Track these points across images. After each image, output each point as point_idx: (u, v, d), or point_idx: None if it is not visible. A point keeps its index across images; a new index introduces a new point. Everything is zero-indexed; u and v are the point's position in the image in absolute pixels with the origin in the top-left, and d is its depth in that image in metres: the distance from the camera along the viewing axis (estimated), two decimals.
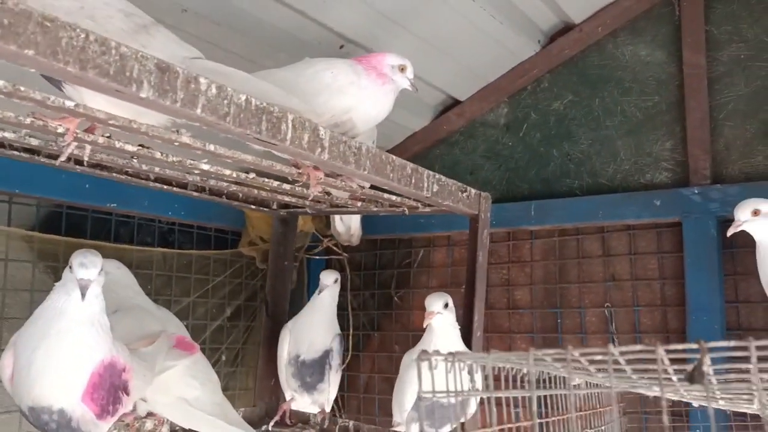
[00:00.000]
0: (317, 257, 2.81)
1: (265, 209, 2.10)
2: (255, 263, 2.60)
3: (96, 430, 1.22)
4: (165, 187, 1.72)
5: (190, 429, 1.67)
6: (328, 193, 1.79)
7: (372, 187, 1.69)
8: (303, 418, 2.00)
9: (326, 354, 1.95)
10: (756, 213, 1.64)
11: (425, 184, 1.57)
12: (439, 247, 2.64)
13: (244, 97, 1.08)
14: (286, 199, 1.90)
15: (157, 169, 1.54)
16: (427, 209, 1.84)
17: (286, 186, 1.63)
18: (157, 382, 1.46)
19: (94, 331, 1.18)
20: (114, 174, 1.58)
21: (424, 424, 1.58)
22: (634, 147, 2.29)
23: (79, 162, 1.48)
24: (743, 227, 1.65)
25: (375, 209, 1.92)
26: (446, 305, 1.69)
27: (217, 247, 2.54)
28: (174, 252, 2.34)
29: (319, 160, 1.27)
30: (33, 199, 1.97)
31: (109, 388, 1.20)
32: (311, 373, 1.94)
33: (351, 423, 1.89)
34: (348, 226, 2.45)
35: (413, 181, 1.52)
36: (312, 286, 2.77)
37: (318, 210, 2.05)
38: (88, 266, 1.19)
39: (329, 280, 1.98)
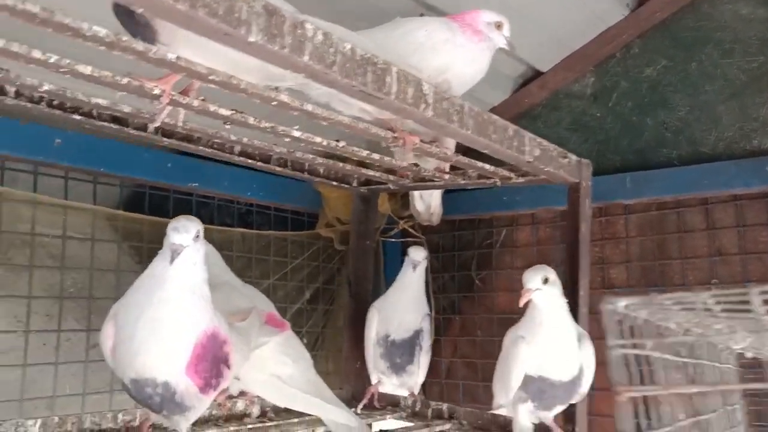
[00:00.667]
0: (393, 240, 2.73)
1: (345, 185, 2.03)
2: (332, 245, 2.54)
3: (199, 405, 1.17)
4: (249, 161, 1.66)
5: (284, 408, 1.62)
6: (416, 165, 1.71)
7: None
8: (393, 401, 1.92)
9: (416, 334, 1.87)
10: None
11: (527, 148, 1.46)
12: (522, 225, 2.52)
13: (349, 46, 1.00)
14: (370, 173, 1.83)
15: (245, 139, 1.48)
16: (521, 179, 1.72)
17: (375, 156, 1.55)
18: (252, 359, 1.41)
19: (196, 299, 1.12)
20: (200, 147, 1.54)
21: (532, 404, 1.47)
22: (739, 111, 2.12)
23: (167, 134, 1.44)
24: None
25: (462, 182, 1.82)
26: (546, 280, 1.56)
27: (294, 229, 2.49)
28: (253, 233, 2.30)
29: (423, 117, 1.18)
30: (116, 179, 1.95)
31: (212, 360, 1.14)
32: (401, 353, 1.86)
33: (445, 406, 1.80)
34: (428, 204, 2.34)
35: (515, 143, 1.42)
36: (388, 268, 2.69)
37: (401, 186, 1.96)
38: (181, 231, 1.13)
39: (420, 256, 1.88)
